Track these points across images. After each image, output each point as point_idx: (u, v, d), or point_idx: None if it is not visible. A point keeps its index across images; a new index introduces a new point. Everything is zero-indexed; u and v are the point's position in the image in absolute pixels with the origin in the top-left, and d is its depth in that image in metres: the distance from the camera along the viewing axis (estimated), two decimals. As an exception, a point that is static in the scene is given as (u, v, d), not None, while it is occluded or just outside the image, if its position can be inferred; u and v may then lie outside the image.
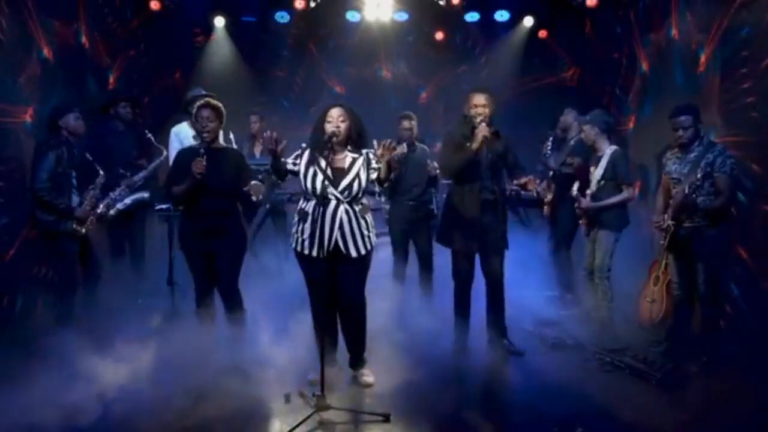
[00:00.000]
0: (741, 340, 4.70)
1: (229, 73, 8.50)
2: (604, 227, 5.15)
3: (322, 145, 3.97)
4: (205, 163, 4.17)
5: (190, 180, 4.20)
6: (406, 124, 5.67)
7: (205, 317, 4.33)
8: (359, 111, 4.16)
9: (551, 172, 6.02)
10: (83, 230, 4.88)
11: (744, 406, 3.80)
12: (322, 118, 4.06)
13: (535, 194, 6.19)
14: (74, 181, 4.94)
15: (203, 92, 6.00)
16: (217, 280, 4.37)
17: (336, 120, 4.01)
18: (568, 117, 6.08)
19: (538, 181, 6.15)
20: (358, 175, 4.03)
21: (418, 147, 5.71)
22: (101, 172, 5.06)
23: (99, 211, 5.08)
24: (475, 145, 4.53)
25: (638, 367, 4.34)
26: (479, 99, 4.62)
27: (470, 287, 4.78)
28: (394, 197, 5.69)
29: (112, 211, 5.32)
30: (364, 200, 4.15)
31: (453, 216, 4.73)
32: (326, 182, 3.96)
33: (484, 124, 4.54)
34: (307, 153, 4.08)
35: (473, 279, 4.78)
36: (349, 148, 4.10)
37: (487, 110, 4.59)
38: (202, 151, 4.24)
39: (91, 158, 5.08)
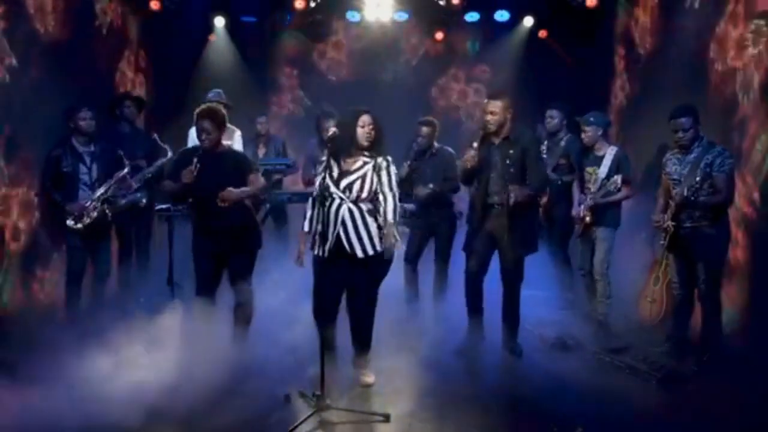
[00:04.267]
0: (741, 340, 4.69)
1: (229, 73, 8.49)
2: (605, 225, 5.21)
3: (342, 148, 3.98)
4: (195, 172, 4.21)
5: (180, 184, 4.28)
6: (423, 130, 5.59)
7: (202, 317, 4.33)
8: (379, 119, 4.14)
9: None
10: (79, 225, 4.91)
11: (744, 406, 3.80)
12: (353, 123, 4.03)
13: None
14: (84, 177, 5.00)
15: (223, 98, 6.08)
16: (230, 275, 4.41)
17: (368, 126, 4.02)
18: (556, 119, 5.98)
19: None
20: (363, 177, 4.02)
21: (437, 152, 5.63)
22: (127, 163, 5.15)
23: (102, 208, 5.07)
24: (462, 166, 4.65)
25: (638, 367, 4.34)
26: (490, 106, 4.57)
27: (478, 287, 4.75)
28: (418, 204, 5.64)
29: (108, 212, 5.32)
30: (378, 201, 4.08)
31: (469, 221, 4.79)
32: (329, 181, 3.98)
33: (472, 152, 4.53)
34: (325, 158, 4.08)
35: (481, 280, 4.75)
36: (365, 153, 4.08)
37: (497, 117, 4.53)
38: (195, 160, 4.26)
39: (122, 153, 5.16)
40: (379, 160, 4.06)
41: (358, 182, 4.00)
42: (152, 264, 5.98)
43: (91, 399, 3.65)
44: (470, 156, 4.57)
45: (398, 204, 4.12)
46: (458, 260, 5.20)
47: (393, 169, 4.11)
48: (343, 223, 3.99)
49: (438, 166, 5.59)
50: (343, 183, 3.99)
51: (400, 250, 4.32)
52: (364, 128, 4.01)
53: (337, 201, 4.00)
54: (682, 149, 4.55)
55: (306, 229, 4.13)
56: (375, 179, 4.04)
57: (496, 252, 4.73)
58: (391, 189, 4.09)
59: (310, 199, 4.13)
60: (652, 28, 6.71)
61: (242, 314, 4.38)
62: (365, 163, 4.06)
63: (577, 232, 5.42)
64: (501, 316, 4.79)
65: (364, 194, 4.02)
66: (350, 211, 4.00)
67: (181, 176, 4.27)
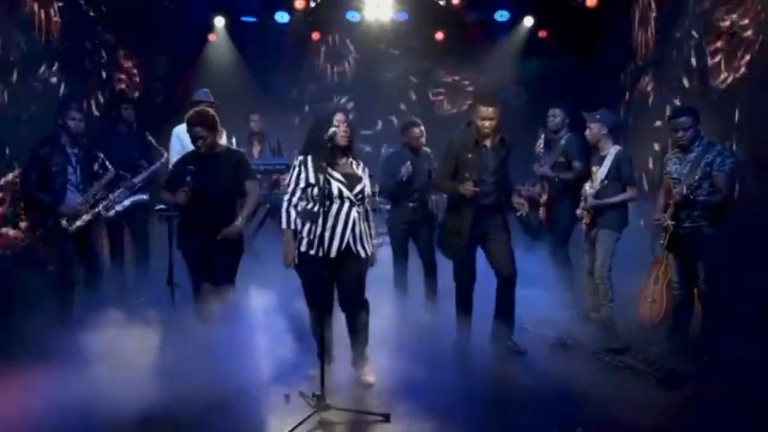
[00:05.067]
0: (741, 340, 4.69)
1: (229, 73, 8.52)
2: (605, 227, 5.17)
3: (329, 149, 3.96)
4: (190, 193, 4.30)
5: (175, 201, 4.39)
6: (416, 131, 5.68)
7: (203, 316, 4.33)
8: (359, 111, 4.20)
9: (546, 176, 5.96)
10: (73, 227, 4.90)
11: (744, 406, 3.80)
12: (324, 121, 4.04)
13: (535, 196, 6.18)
14: (72, 178, 4.97)
15: (211, 98, 6.08)
16: (212, 279, 4.41)
17: (342, 123, 4.04)
18: (558, 118, 5.92)
19: (531, 186, 6.18)
20: (366, 182, 4.13)
21: (423, 152, 5.73)
22: (111, 168, 5.13)
23: (97, 210, 5.08)
24: (462, 192, 4.51)
25: (638, 367, 4.34)
26: (487, 112, 4.54)
27: (472, 289, 4.78)
28: (396, 200, 5.73)
29: (111, 213, 5.33)
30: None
31: (455, 223, 4.71)
32: (341, 186, 4.00)
33: (470, 186, 4.47)
34: (310, 160, 4.06)
35: (475, 281, 4.78)
36: (347, 153, 4.14)
37: (495, 122, 4.56)
38: (188, 178, 4.30)
39: (102, 156, 5.13)
40: (362, 164, 4.19)
41: (367, 188, 4.12)
42: (152, 264, 5.98)
43: (90, 400, 3.64)
44: (471, 190, 4.50)
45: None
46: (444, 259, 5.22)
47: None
48: (353, 226, 4.04)
49: (425, 166, 5.64)
50: (357, 188, 4.05)
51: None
52: (339, 126, 4.01)
53: (347, 204, 4.03)
54: (682, 149, 4.55)
55: (293, 227, 4.06)
56: (368, 184, 4.17)
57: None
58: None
59: (293, 199, 4.06)
60: (653, 28, 6.71)
61: (225, 317, 4.35)
62: (357, 166, 4.16)
63: (584, 232, 5.40)
64: (496, 314, 4.79)
65: (367, 199, 4.15)
66: (358, 213, 4.07)
67: (178, 182, 4.36)
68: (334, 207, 4.00)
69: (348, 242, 4.03)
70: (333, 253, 3.99)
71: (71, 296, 4.99)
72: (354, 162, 4.16)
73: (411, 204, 5.66)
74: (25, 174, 4.92)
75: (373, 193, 5.60)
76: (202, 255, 4.42)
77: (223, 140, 6.03)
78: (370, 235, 4.19)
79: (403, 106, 8.94)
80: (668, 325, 4.81)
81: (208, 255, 4.42)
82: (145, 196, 5.66)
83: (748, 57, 5.07)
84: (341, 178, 4.02)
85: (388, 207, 5.81)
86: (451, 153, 4.70)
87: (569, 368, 4.45)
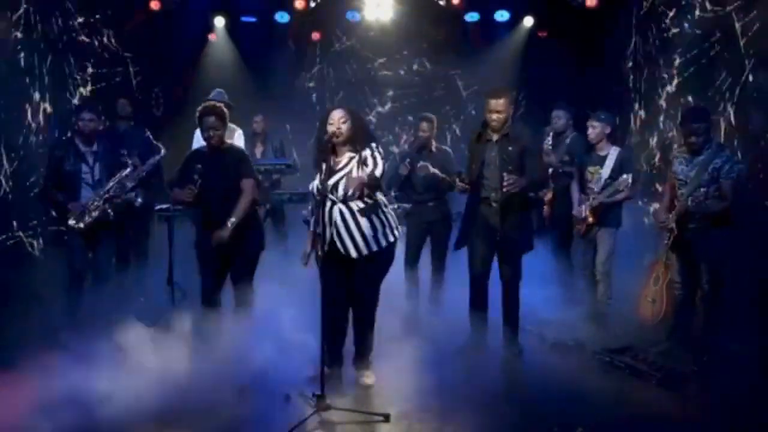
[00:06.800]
0: (741, 340, 4.69)
1: (229, 73, 8.52)
2: (607, 225, 5.20)
3: (323, 147, 3.98)
4: (197, 191, 4.30)
5: (182, 198, 4.38)
6: (423, 125, 5.63)
7: (208, 316, 4.34)
8: (359, 112, 4.17)
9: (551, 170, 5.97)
10: (81, 225, 4.93)
11: (744, 406, 3.80)
12: (324, 121, 4.04)
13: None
14: (86, 177, 5.03)
15: (225, 99, 6.09)
16: (232, 276, 4.44)
17: (337, 121, 3.99)
18: (562, 120, 5.99)
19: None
20: (348, 174, 3.95)
21: (437, 150, 5.69)
22: (130, 162, 5.23)
23: (105, 207, 5.09)
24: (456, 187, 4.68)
25: (638, 367, 4.33)
26: (494, 104, 4.51)
27: (484, 288, 4.74)
28: (412, 199, 5.69)
29: (110, 211, 5.33)
30: (373, 198, 4.01)
31: (467, 219, 4.72)
32: (318, 183, 3.99)
33: (459, 184, 4.60)
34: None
35: (487, 281, 4.74)
36: (354, 148, 4.05)
37: (502, 115, 4.50)
38: (196, 176, 4.30)
39: (125, 153, 5.26)
40: (364, 153, 3.96)
41: (343, 181, 3.95)
42: (152, 264, 5.98)
43: (91, 398, 3.65)
44: (459, 187, 4.63)
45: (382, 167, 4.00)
46: (453, 258, 5.19)
47: (378, 153, 3.98)
48: (335, 224, 3.98)
49: (436, 164, 5.60)
50: (330, 183, 3.96)
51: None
52: (332, 124, 3.98)
53: (329, 203, 3.98)
54: (691, 152, 4.53)
55: (311, 228, 4.18)
56: (362, 174, 3.93)
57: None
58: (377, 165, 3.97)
59: (313, 200, 4.17)
60: (653, 28, 6.71)
61: (242, 314, 4.38)
62: (351, 159, 4.00)
63: (578, 232, 5.41)
64: (501, 317, 4.77)
65: (350, 192, 3.95)
66: (341, 212, 3.98)
67: (186, 178, 4.36)
68: (321, 206, 3.99)
69: (333, 240, 3.99)
70: (323, 253, 3.99)
71: (77, 291, 5.01)
72: (351, 155, 3.99)
73: (429, 203, 5.64)
74: (44, 175, 5.14)
75: (389, 187, 5.62)
76: (217, 255, 4.38)
77: (235, 139, 6.07)
78: (362, 232, 3.96)
79: (403, 106, 8.95)
80: (668, 325, 4.80)
81: (225, 254, 4.38)
82: (138, 195, 5.61)
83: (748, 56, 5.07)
84: (323, 177, 3.97)
85: (408, 206, 5.72)
86: (468, 148, 4.79)
87: (569, 368, 4.45)
